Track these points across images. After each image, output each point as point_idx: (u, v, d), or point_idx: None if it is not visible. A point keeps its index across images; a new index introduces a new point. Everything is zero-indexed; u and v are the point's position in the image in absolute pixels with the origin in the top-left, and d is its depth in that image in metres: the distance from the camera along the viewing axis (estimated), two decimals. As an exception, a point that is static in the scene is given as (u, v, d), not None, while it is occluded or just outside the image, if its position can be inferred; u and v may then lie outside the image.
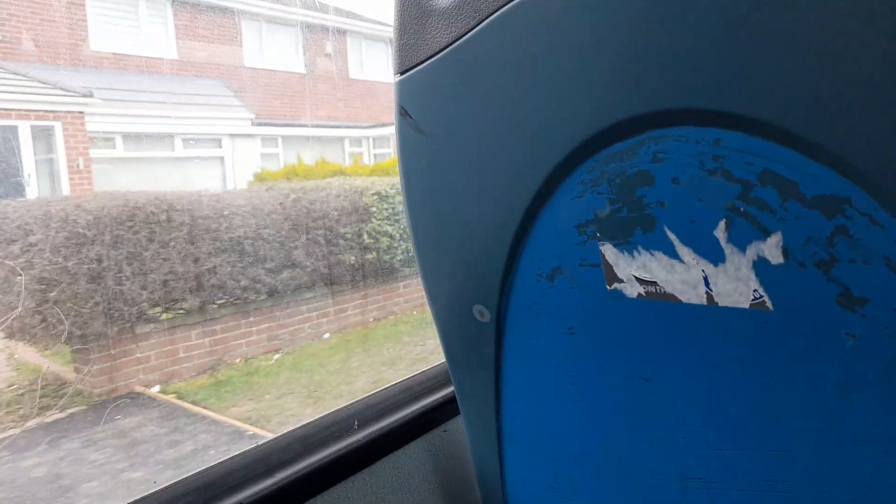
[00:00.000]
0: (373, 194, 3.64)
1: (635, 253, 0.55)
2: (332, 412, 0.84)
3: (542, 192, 0.58)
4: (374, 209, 3.62)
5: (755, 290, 0.51)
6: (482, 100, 0.58)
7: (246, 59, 3.65)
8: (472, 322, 0.68)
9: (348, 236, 3.49)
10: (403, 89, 0.63)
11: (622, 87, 0.51)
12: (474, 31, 0.57)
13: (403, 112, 0.63)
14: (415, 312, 3.83)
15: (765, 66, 0.45)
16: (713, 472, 0.58)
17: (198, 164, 3.27)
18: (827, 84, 0.43)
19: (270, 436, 0.77)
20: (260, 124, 3.73)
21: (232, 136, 3.45)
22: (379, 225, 3.62)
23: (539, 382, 0.67)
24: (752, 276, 0.50)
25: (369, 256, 3.61)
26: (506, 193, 0.60)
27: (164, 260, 2.66)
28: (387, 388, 0.92)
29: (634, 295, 0.57)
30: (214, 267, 2.86)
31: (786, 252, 0.48)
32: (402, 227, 3.62)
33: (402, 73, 0.63)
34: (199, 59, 3.18)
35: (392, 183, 3.74)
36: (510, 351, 0.68)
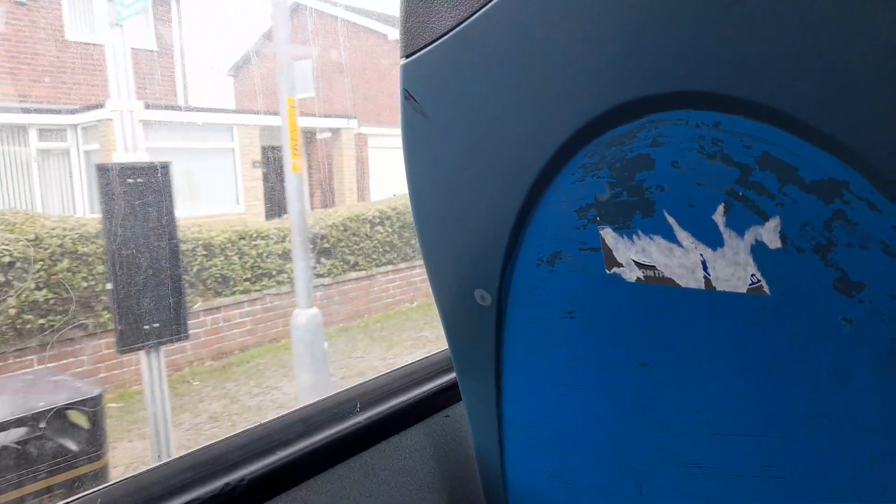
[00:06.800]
0: None
1: (635, 237, 0.56)
2: (335, 394, 0.85)
3: (544, 176, 0.58)
4: None
5: (753, 275, 0.51)
6: (484, 83, 0.58)
7: None
8: (473, 306, 0.69)
9: None
10: (408, 73, 0.63)
11: (623, 69, 0.51)
12: (477, 14, 0.57)
13: (408, 95, 0.63)
14: None
15: (764, 48, 0.45)
16: (709, 457, 0.58)
17: None
18: (826, 67, 0.43)
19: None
20: None
21: None
22: None
23: (539, 367, 0.67)
24: (750, 260, 0.50)
25: None
26: (508, 177, 0.60)
27: None
28: (390, 372, 0.93)
29: (633, 279, 0.57)
30: None
31: (783, 237, 0.48)
32: None
33: (407, 57, 0.63)
34: None
35: None
36: (511, 335, 0.68)
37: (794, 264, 0.49)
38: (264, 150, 7.17)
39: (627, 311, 0.59)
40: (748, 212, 0.49)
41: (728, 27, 0.46)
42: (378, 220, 6.80)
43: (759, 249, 0.50)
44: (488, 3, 0.56)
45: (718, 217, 0.51)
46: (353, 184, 8.81)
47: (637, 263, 0.56)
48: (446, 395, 0.93)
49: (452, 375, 0.94)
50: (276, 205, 7.22)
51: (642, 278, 0.57)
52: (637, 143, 0.53)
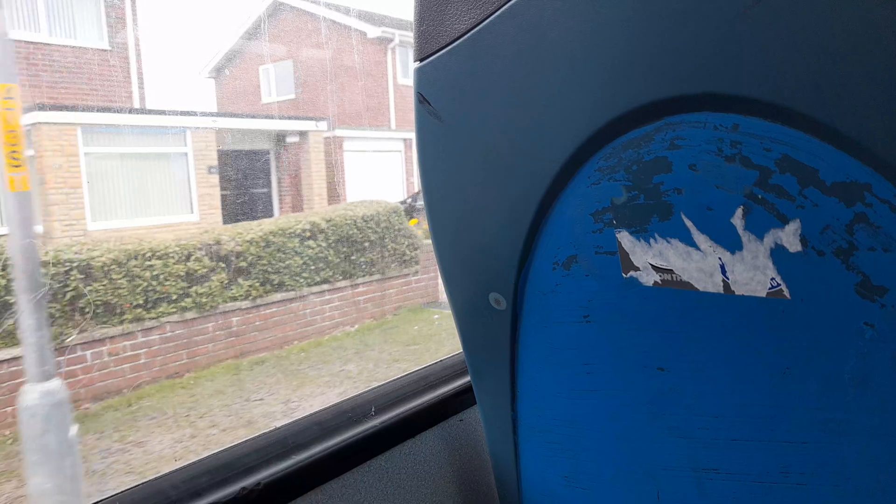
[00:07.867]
0: None
1: (651, 240, 0.55)
2: (350, 398, 0.85)
3: (559, 179, 0.58)
4: None
5: (772, 279, 0.50)
6: (499, 86, 0.58)
7: None
8: (488, 310, 0.69)
9: None
10: (422, 76, 0.63)
11: (639, 72, 0.50)
12: (492, 17, 0.57)
13: (422, 99, 0.63)
14: None
15: (785, 50, 0.44)
16: (728, 462, 0.58)
17: None
18: (847, 70, 0.42)
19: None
20: None
21: None
22: None
23: (554, 371, 0.67)
24: (770, 264, 0.50)
25: None
26: (522, 180, 0.60)
27: None
28: (404, 376, 0.93)
29: (650, 283, 0.57)
30: None
31: (804, 240, 0.48)
32: None
33: (421, 61, 0.63)
34: None
35: None
36: (526, 339, 0.68)
37: (815, 268, 0.48)
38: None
39: (644, 315, 0.58)
40: (768, 215, 0.49)
41: (747, 29, 0.45)
42: (309, 234, 5.95)
43: (778, 253, 0.49)
44: (502, 6, 0.56)
45: (737, 220, 0.50)
46: (323, 189, 8.36)
47: (654, 267, 0.56)
48: (461, 399, 0.93)
49: (467, 379, 0.94)
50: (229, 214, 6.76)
51: (659, 282, 0.56)
52: (654, 146, 0.52)
